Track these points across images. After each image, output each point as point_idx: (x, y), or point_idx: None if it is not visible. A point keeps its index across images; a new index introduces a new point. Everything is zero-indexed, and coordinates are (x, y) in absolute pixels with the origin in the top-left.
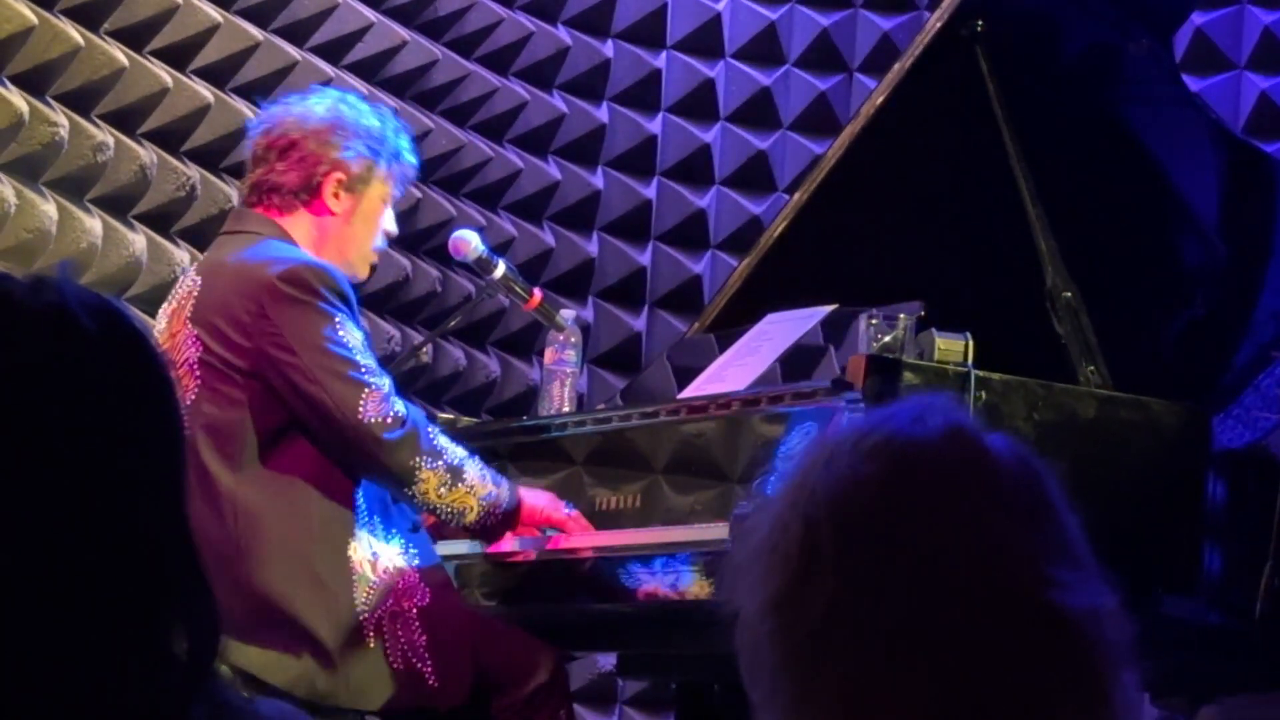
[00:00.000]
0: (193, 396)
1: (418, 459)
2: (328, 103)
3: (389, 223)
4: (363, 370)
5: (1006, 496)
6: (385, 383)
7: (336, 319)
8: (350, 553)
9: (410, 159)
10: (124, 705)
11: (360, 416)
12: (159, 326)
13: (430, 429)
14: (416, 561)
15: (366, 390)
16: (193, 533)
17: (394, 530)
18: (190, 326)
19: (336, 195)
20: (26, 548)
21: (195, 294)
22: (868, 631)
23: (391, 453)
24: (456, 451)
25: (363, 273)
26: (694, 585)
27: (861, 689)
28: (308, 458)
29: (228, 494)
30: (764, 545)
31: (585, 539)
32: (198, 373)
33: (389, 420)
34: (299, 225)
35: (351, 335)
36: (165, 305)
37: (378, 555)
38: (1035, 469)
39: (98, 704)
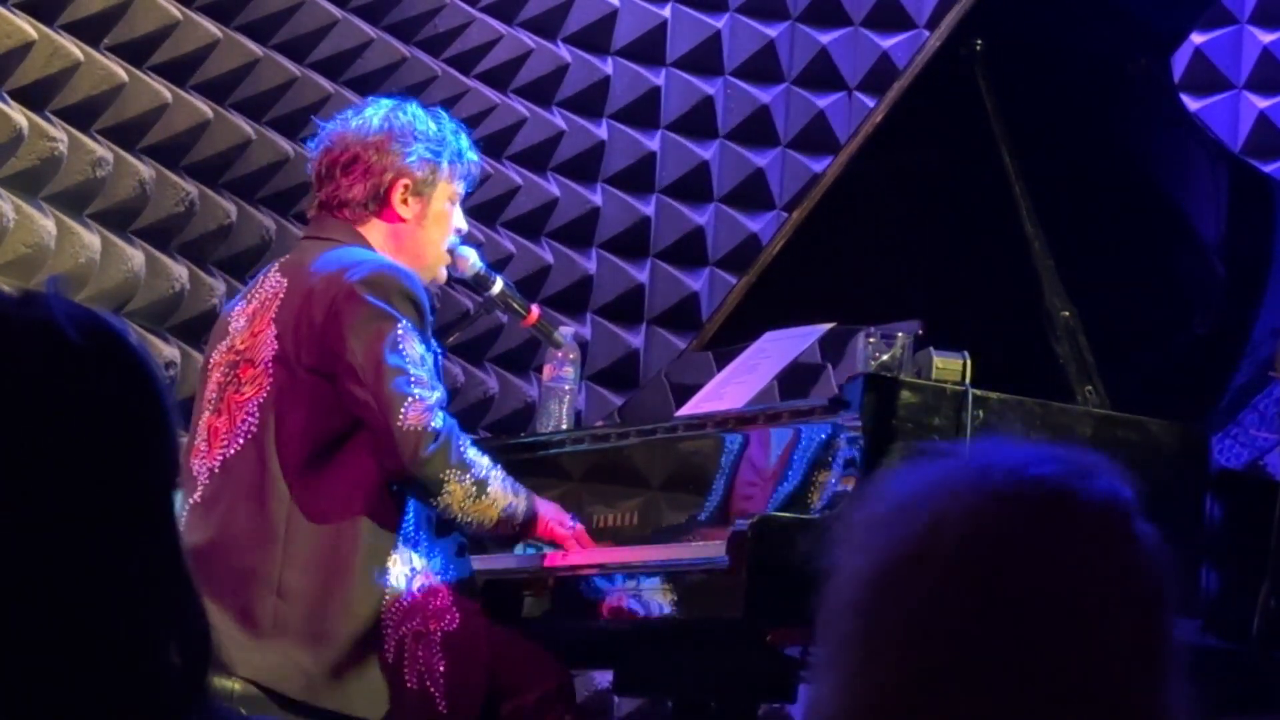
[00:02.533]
0: (265, 394)
1: (447, 472)
2: (383, 112)
3: (459, 220)
4: (412, 380)
5: (1136, 601)
6: (433, 396)
7: (400, 326)
8: (389, 564)
9: (471, 156)
10: None
11: (400, 423)
12: (236, 324)
13: (461, 441)
14: (454, 583)
15: (410, 399)
16: (182, 545)
17: (436, 550)
18: (273, 327)
19: (405, 201)
20: (14, 563)
21: (281, 295)
22: (939, 647)
23: (423, 465)
24: (483, 463)
25: (440, 274)
26: (687, 603)
27: (908, 694)
28: (366, 467)
29: (283, 495)
30: (887, 519)
31: (582, 556)
32: (272, 370)
33: (426, 432)
34: (374, 233)
35: (411, 346)
36: (242, 304)
37: (415, 572)
38: (1167, 576)
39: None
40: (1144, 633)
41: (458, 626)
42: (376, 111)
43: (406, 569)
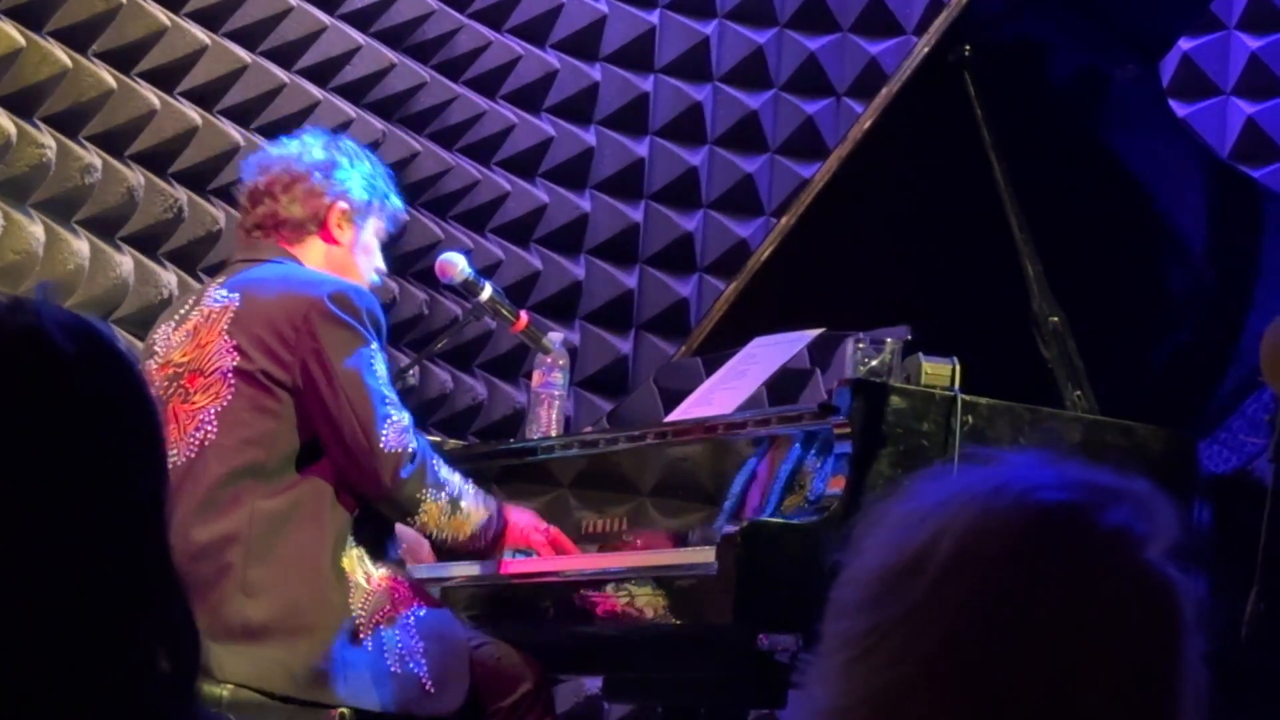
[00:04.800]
0: (224, 403)
1: (424, 491)
2: (323, 141)
3: (378, 260)
4: (386, 402)
5: (1134, 635)
6: (406, 417)
7: (371, 347)
8: (344, 564)
9: (397, 203)
10: None
11: (381, 445)
12: (169, 341)
13: (435, 460)
14: (410, 581)
15: (389, 422)
16: (171, 551)
17: (381, 558)
18: (228, 338)
19: (341, 226)
20: (2, 569)
21: (233, 308)
22: (923, 657)
23: (402, 486)
24: (455, 481)
25: None
26: (677, 609)
27: (891, 700)
28: (328, 476)
29: (248, 500)
30: (900, 521)
31: (572, 562)
32: (231, 380)
33: (405, 453)
34: (310, 254)
35: (381, 367)
36: (175, 323)
37: (369, 574)
38: (1182, 616)
39: None
40: (1137, 668)
41: (427, 612)
42: (316, 140)
43: (360, 570)
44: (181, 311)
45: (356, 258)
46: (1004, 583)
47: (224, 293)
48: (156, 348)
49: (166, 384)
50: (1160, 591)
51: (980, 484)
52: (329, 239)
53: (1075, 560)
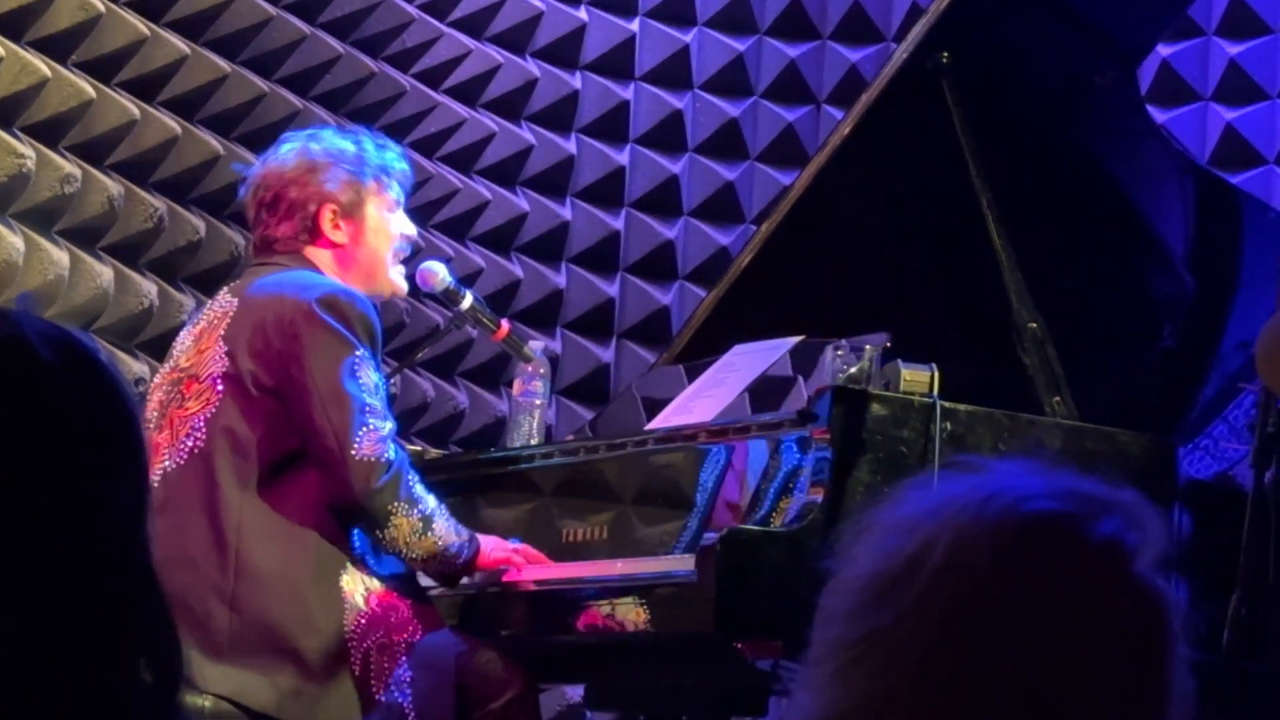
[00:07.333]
0: (213, 410)
1: (396, 504)
2: (296, 146)
3: (403, 226)
4: (367, 410)
5: (1121, 646)
6: (386, 426)
7: (358, 354)
8: (342, 583)
9: (399, 165)
10: None
11: (354, 453)
12: (183, 345)
13: (411, 476)
14: (410, 599)
15: (365, 429)
16: (154, 562)
17: (386, 567)
18: (221, 344)
19: (337, 226)
20: None
21: (230, 314)
22: (912, 664)
23: (373, 496)
24: (429, 501)
25: (399, 285)
26: (658, 617)
27: (878, 706)
28: (315, 486)
29: (234, 510)
30: (890, 529)
31: (552, 570)
32: (220, 387)
33: (379, 463)
34: (319, 258)
35: (367, 375)
36: (190, 327)
37: (370, 590)
38: (1168, 627)
39: None
40: (1127, 678)
41: (423, 638)
42: (291, 146)
43: (360, 586)
44: (198, 316)
45: (368, 246)
46: (994, 592)
47: (229, 297)
48: (174, 352)
49: (170, 389)
50: (1149, 603)
51: (970, 493)
52: (328, 244)
53: (1065, 571)
